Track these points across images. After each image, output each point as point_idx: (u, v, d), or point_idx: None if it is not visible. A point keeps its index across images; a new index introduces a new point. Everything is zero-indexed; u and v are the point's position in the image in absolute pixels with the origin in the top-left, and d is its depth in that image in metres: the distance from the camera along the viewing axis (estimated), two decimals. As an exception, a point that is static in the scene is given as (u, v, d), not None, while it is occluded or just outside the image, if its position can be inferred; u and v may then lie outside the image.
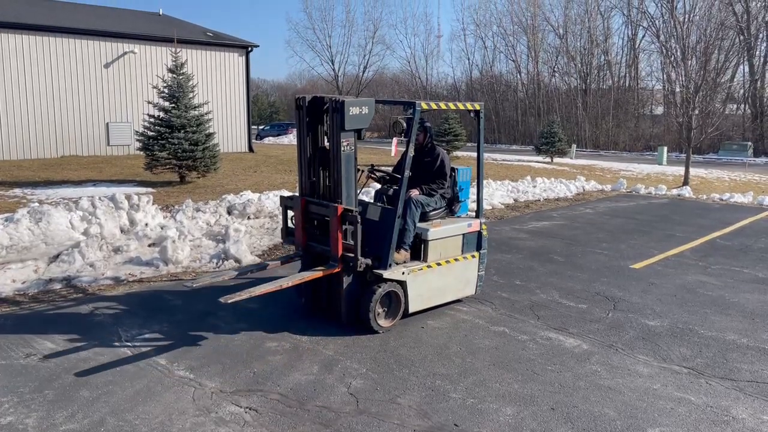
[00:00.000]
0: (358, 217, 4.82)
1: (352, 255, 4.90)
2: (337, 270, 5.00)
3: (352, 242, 4.91)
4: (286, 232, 5.62)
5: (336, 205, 4.89)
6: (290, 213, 5.52)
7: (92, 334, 5.06)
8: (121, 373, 4.36)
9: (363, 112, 4.94)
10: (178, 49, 14.75)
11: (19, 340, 4.88)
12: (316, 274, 5.03)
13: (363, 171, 5.77)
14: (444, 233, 5.64)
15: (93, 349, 4.76)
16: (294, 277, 5.07)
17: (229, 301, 4.60)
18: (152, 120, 14.04)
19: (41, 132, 20.20)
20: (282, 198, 5.63)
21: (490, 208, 12.40)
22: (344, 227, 4.92)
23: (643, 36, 46.45)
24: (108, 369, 4.41)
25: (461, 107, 5.85)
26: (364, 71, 57.09)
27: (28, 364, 4.46)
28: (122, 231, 8.40)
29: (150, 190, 12.77)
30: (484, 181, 6.87)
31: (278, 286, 4.94)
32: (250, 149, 25.40)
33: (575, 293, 6.65)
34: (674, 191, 16.87)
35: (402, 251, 5.35)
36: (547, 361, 4.81)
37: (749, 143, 37.63)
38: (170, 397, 4.04)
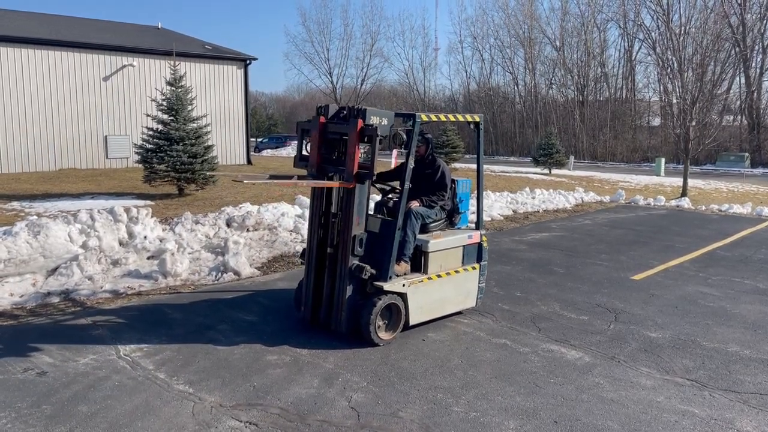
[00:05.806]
0: (378, 129, 4.93)
1: (367, 171, 5.02)
2: (351, 185, 5.06)
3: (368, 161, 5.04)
4: (300, 158, 5.63)
5: (357, 119, 4.97)
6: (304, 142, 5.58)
7: (90, 348, 5.02)
8: (120, 387, 4.32)
9: (383, 123, 5.07)
10: (177, 62, 14.81)
11: (17, 355, 4.84)
12: (333, 183, 5.18)
13: None
14: (444, 245, 5.63)
15: (91, 363, 4.72)
16: (311, 181, 5.29)
17: (245, 181, 5.18)
18: (151, 133, 14.07)
19: (39, 145, 20.22)
20: (299, 123, 5.66)
21: (490, 219, 12.40)
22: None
23: (640, 48, 46.75)
24: (106, 383, 4.37)
25: (461, 119, 5.86)
26: (362, 84, 57.44)
27: (26, 379, 4.42)
28: (121, 244, 8.37)
29: (149, 202, 12.74)
30: (483, 193, 6.87)
31: (294, 182, 5.32)
32: (249, 162, 25.45)
33: (576, 305, 6.63)
34: (673, 202, 16.89)
35: (402, 263, 5.34)
36: (549, 373, 4.78)
37: (746, 154, 37.80)
38: (169, 411, 4.00)
